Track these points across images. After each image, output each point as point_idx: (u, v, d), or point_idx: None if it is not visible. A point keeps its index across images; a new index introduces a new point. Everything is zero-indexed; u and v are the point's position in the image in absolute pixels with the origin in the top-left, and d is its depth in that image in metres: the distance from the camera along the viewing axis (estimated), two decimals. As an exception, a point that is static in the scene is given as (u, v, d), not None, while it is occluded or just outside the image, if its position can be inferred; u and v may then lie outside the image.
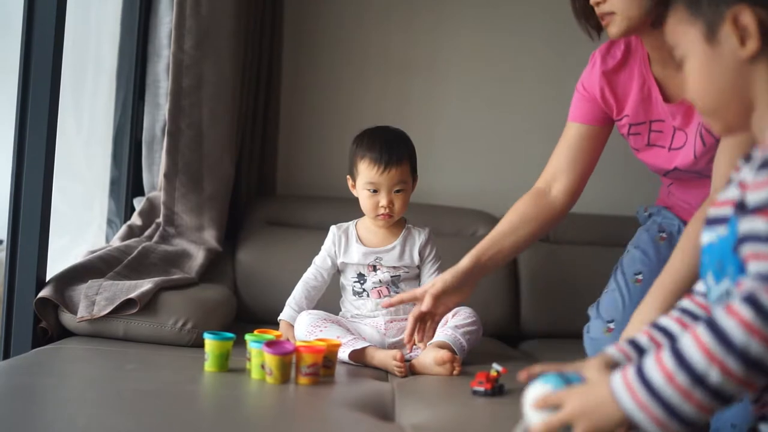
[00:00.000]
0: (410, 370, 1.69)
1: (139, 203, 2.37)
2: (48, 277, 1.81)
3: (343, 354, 1.68)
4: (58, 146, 1.81)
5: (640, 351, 1.04)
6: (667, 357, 0.84)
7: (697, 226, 1.29)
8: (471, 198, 2.79)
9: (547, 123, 2.96)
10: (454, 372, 1.64)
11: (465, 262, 1.62)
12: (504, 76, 2.94)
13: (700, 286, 1.07)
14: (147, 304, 1.79)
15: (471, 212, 2.66)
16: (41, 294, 1.75)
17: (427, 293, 1.57)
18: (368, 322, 1.86)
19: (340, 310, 1.93)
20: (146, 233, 2.22)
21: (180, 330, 1.79)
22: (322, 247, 1.94)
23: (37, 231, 1.76)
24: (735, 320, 0.81)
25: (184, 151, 2.21)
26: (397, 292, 1.88)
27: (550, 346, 2.32)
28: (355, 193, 1.91)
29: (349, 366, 1.69)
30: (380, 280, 1.88)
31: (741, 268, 0.88)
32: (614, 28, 1.50)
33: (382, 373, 1.69)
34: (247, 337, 1.54)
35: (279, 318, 1.88)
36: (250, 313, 2.30)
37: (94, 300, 1.77)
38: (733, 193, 0.94)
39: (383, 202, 1.84)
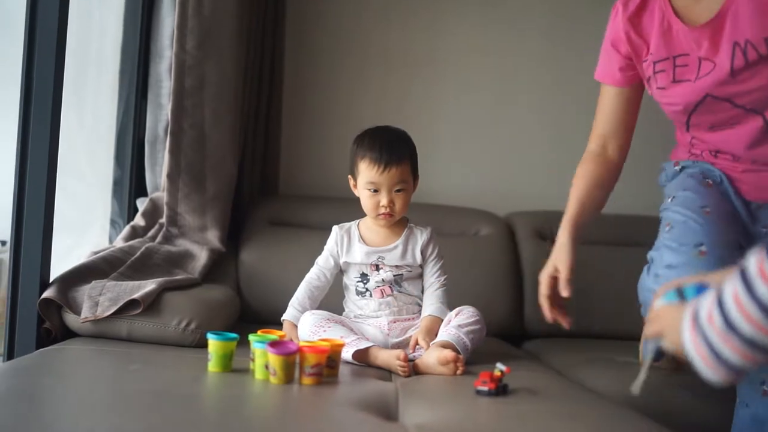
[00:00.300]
0: (414, 369, 1.69)
1: (142, 204, 2.37)
2: (52, 278, 1.82)
3: (347, 354, 1.68)
4: (61, 147, 1.81)
5: None
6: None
7: None
8: (473, 197, 2.79)
9: (549, 120, 2.97)
10: (458, 372, 1.64)
11: (568, 235, 1.73)
12: (505, 74, 2.94)
13: None
14: (150, 304, 1.79)
15: (474, 212, 2.66)
16: (45, 295, 1.75)
17: (567, 280, 1.67)
18: (371, 323, 1.86)
19: (344, 310, 1.93)
20: (149, 234, 2.22)
21: (183, 330, 1.79)
22: (325, 247, 1.94)
23: (40, 232, 1.76)
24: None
25: (186, 152, 2.21)
26: (400, 291, 1.88)
27: (555, 345, 2.32)
28: (356, 192, 1.91)
29: (352, 366, 1.69)
30: (383, 280, 1.88)
31: None
32: None
33: (385, 372, 1.69)
34: (251, 337, 1.54)
35: (282, 318, 1.88)
36: (254, 313, 2.30)
37: (98, 300, 1.77)
38: None
39: (384, 201, 1.84)
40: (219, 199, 2.28)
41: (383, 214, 1.86)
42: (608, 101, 1.81)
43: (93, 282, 1.83)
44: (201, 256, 2.17)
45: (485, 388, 1.45)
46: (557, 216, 2.72)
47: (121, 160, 2.50)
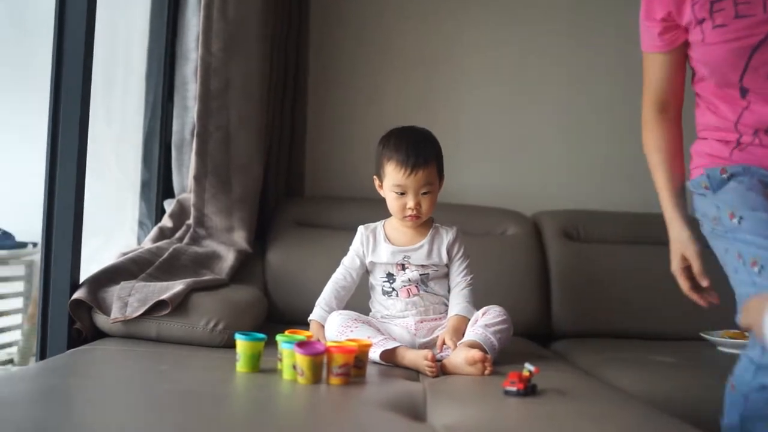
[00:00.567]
0: (441, 370, 1.68)
1: (169, 205, 2.39)
2: (81, 279, 1.84)
3: (374, 354, 1.68)
4: (89, 150, 1.83)
5: None
6: None
7: None
8: (500, 197, 2.78)
9: (575, 118, 2.94)
10: (486, 372, 1.63)
11: (674, 207, 1.73)
12: (529, 72, 2.93)
13: None
14: (179, 305, 1.81)
15: (500, 211, 2.65)
16: (75, 296, 1.77)
17: (700, 273, 1.64)
18: (398, 323, 1.86)
19: (370, 310, 1.93)
20: (177, 235, 2.24)
21: (212, 331, 1.81)
22: (350, 248, 1.94)
23: (70, 234, 1.78)
24: None
25: (212, 153, 2.22)
26: (426, 291, 1.87)
27: (583, 345, 2.30)
28: (382, 193, 1.91)
29: (380, 366, 1.69)
30: (409, 279, 1.87)
31: None
32: None
33: (413, 373, 1.68)
34: (279, 337, 1.54)
35: (309, 318, 1.88)
36: (281, 313, 2.31)
37: (127, 301, 1.79)
38: None
39: (410, 204, 1.84)
40: (245, 200, 2.29)
41: (410, 216, 1.85)
42: (658, 67, 1.76)
43: (122, 283, 1.85)
44: (228, 257, 2.18)
45: (514, 389, 1.44)
46: (584, 215, 2.73)
47: (148, 163, 2.52)
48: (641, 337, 2.41)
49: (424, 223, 1.92)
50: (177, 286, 1.85)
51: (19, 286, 2.76)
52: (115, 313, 1.77)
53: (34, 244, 2.60)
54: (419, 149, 1.83)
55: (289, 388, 1.45)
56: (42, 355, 1.77)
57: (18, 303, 2.76)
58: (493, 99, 2.92)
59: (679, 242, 1.71)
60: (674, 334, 2.40)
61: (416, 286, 1.87)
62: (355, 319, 1.78)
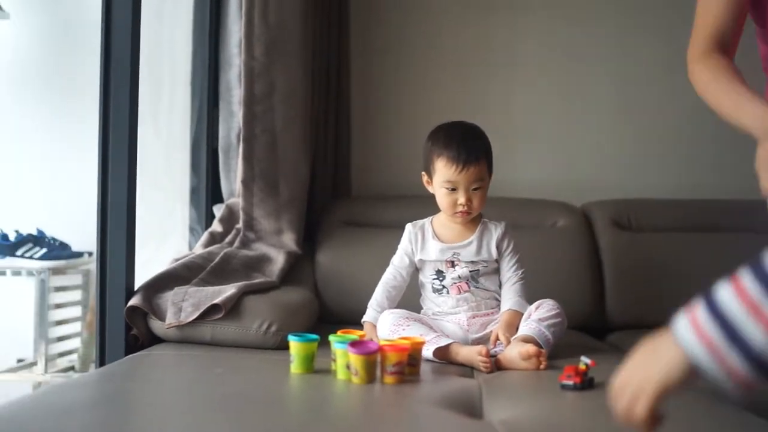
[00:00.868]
0: (496, 365, 1.67)
1: (218, 210, 2.42)
2: (136, 286, 1.87)
3: (428, 352, 1.67)
4: (139, 159, 1.86)
5: None
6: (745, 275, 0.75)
7: None
8: (548, 189, 2.75)
9: (624, 110, 2.89)
10: (541, 366, 1.61)
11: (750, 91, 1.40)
12: (577, 63, 2.89)
13: None
14: (231, 308, 1.82)
15: (550, 203, 2.61)
16: (131, 302, 1.80)
17: None
18: (450, 319, 1.85)
19: (421, 308, 1.92)
20: (227, 239, 2.26)
21: (265, 333, 1.82)
22: (399, 246, 1.94)
23: (123, 242, 1.81)
24: None
25: (259, 157, 2.24)
26: (477, 287, 1.86)
27: (639, 336, 2.23)
28: (430, 189, 1.90)
29: (433, 363, 1.68)
30: (459, 276, 1.86)
31: None
32: None
33: (467, 369, 1.67)
34: (332, 338, 1.54)
35: (362, 320, 1.88)
36: (332, 313, 2.32)
37: (181, 306, 1.81)
38: None
39: (461, 200, 1.82)
40: (293, 202, 2.31)
41: (460, 212, 1.84)
42: (721, 3, 1.50)
43: (175, 288, 1.87)
44: (278, 260, 2.20)
45: (570, 383, 1.42)
46: (634, 204, 2.68)
47: (196, 169, 2.56)
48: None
49: (473, 219, 1.90)
50: (229, 289, 1.87)
51: (77, 295, 2.83)
52: (170, 318, 1.79)
53: (90, 254, 2.66)
54: (470, 145, 1.82)
55: (343, 388, 1.45)
56: (101, 361, 1.80)
57: (77, 311, 2.83)
58: (540, 91, 2.88)
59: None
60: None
61: (466, 283, 1.86)
62: (407, 317, 1.77)
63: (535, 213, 2.55)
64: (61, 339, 2.76)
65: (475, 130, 1.88)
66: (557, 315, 1.75)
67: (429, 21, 2.87)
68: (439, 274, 1.88)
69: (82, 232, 2.59)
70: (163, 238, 2.51)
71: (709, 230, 2.52)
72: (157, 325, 1.82)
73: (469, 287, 1.86)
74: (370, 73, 2.86)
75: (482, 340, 1.80)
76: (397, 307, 1.85)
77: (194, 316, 1.79)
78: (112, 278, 1.82)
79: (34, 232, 2.66)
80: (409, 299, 1.94)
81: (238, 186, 2.31)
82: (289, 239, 2.29)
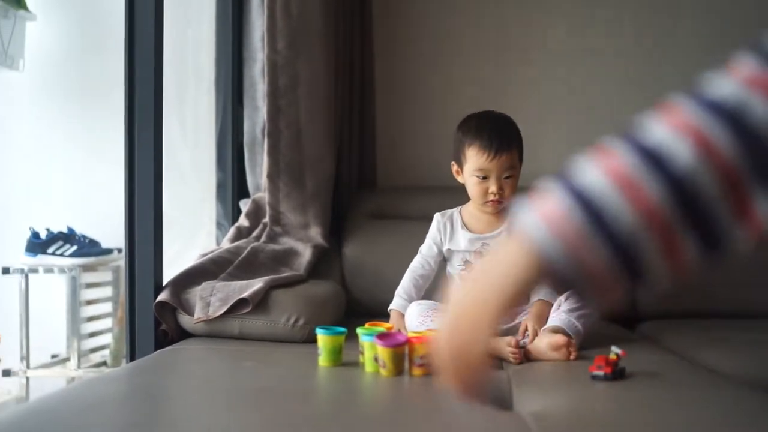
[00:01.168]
0: (525, 356, 1.65)
1: (245, 205, 2.43)
2: (165, 282, 1.88)
3: (456, 343, 1.66)
4: (165, 155, 1.88)
5: None
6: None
7: None
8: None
9: (652, 99, 2.85)
10: (571, 357, 1.59)
11: None
12: (606, 52, 2.85)
13: None
14: (259, 302, 1.83)
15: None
16: (160, 298, 1.81)
17: None
18: (478, 310, 1.83)
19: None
20: (254, 234, 2.27)
21: (293, 326, 1.82)
22: (427, 236, 1.92)
23: (151, 238, 1.82)
24: None
25: (284, 151, 2.24)
26: (505, 278, 1.84)
27: (670, 326, 2.22)
28: (460, 179, 1.88)
29: (462, 355, 1.67)
30: (487, 267, 1.84)
31: None
32: None
33: (496, 360, 1.65)
34: (359, 330, 1.54)
35: (389, 308, 1.87)
36: (360, 306, 2.31)
37: (209, 301, 1.82)
38: None
39: (493, 188, 1.80)
40: (319, 195, 2.31)
41: (492, 201, 1.82)
42: None
43: (203, 283, 1.88)
44: (305, 253, 2.20)
45: (601, 373, 1.40)
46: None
47: (222, 164, 2.57)
48: (733, 316, 2.31)
49: (502, 209, 1.88)
50: (257, 284, 1.87)
51: (107, 291, 2.86)
52: (198, 313, 1.80)
53: (119, 250, 2.69)
54: (502, 132, 1.80)
55: (371, 380, 1.44)
56: (131, 356, 1.82)
57: (107, 307, 2.86)
58: (569, 81, 2.85)
59: None
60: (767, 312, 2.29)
61: (494, 273, 1.84)
62: (435, 309, 1.76)
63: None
64: (92, 335, 2.79)
65: (506, 118, 1.86)
66: (587, 305, 1.73)
67: (454, 9, 2.85)
68: (467, 264, 1.87)
69: (111, 229, 2.61)
70: (191, 233, 2.52)
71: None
72: (185, 320, 1.83)
73: (497, 278, 1.84)
74: (394, 63, 2.85)
75: (511, 331, 1.78)
76: (424, 298, 1.84)
77: (222, 311, 1.80)
78: (140, 274, 1.83)
79: (65, 230, 2.69)
80: (436, 290, 1.93)
81: (263, 180, 2.32)
82: (315, 233, 2.29)
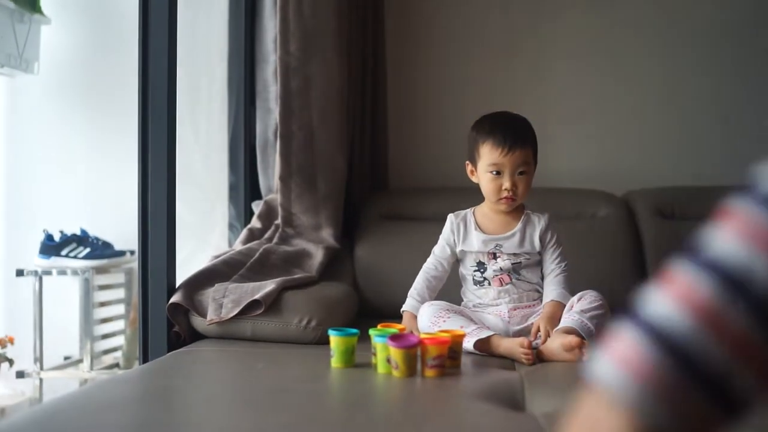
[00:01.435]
0: (537, 357, 1.65)
1: (257, 207, 2.43)
2: (177, 284, 1.88)
3: (468, 344, 1.65)
4: (178, 158, 1.88)
5: None
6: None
7: None
8: (588, 178, 2.71)
9: (663, 97, 2.84)
10: (584, 357, 1.58)
11: None
12: (617, 51, 2.84)
13: None
14: (271, 304, 1.83)
15: (590, 192, 2.57)
16: (172, 300, 1.82)
17: None
18: (491, 311, 1.83)
19: (462, 300, 1.91)
20: (266, 235, 2.28)
21: (305, 328, 1.82)
22: (441, 237, 1.92)
23: (164, 240, 1.83)
24: None
25: (296, 153, 2.25)
26: (519, 279, 1.83)
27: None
28: (474, 179, 1.88)
29: (474, 356, 1.67)
30: (501, 268, 1.84)
31: None
32: None
33: (508, 361, 1.65)
34: (371, 332, 1.54)
35: (402, 309, 1.87)
36: (372, 307, 2.31)
37: (222, 303, 1.83)
38: None
39: (506, 184, 1.80)
40: (331, 197, 2.31)
41: (505, 198, 1.81)
42: None
43: (216, 285, 1.89)
44: (317, 255, 2.20)
45: (615, 374, 1.39)
46: (677, 192, 2.62)
47: (234, 166, 2.58)
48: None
49: (516, 210, 1.87)
50: (269, 285, 1.87)
51: (120, 293, 2.87)
52: (211, 314, 1.81)
53: (132, 252, 2.70)
54: (517, 129, 1.80)
55: (384, 381, 1.44)
56: (144, 358, 1.83)
57: (120, 309, 2.87)
58: (579, 80, 2.84)
59: None
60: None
61: (508, 275, 1.84)
62: (447, 310, 1.75)
63: (574, 203, 2.52)
64: (105, 336, 2.80)
65: (520, 118, 1.87)
66: (600, 306, 1.72)
67: (465, 10, 2.84)
68: (480, 265, 1.86)
69: (124, 231, 2.63)
70: (203, 235, 2.53)
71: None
72: (198, 322, 1.84)
73: (510, 279, 1.83)
74: (406, 65, 2.85)
75: (524, 332, 1.77)
76: (437, 299, 1.84)
77: (235, 312, 1.80)
78: (153, 276, 1.84)
79: (78, 232, 2.70)
80: (449, 291, 1.92)
81: (276, 182, 2.32)
82: (327, 234, 2.29)
